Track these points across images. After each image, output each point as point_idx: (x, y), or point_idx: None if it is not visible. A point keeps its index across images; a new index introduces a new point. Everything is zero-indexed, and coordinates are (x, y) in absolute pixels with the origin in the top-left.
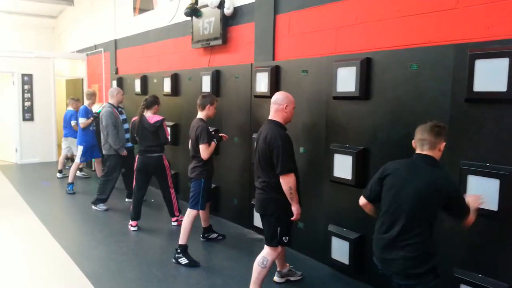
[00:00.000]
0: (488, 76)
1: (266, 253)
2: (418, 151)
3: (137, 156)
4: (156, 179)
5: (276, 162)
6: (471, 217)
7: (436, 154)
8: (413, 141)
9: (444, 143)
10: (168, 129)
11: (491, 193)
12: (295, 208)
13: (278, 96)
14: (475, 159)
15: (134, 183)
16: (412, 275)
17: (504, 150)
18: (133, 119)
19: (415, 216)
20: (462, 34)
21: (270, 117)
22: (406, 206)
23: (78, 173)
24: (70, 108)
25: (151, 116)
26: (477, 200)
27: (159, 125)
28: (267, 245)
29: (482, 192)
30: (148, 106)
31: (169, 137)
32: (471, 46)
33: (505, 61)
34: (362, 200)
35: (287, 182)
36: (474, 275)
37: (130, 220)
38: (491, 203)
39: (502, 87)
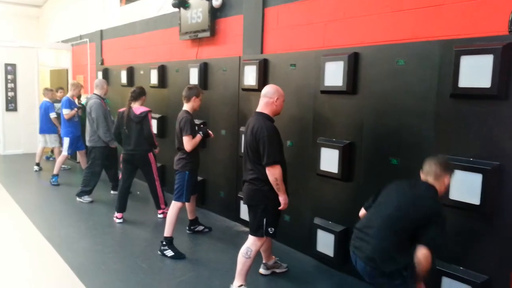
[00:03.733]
0: (473, 72)
1: (250, 244)
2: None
3: (124, 148)
4: (141, 171)
5: (262, 153)
6: (427, 260)
7: (439, 186)
8: (421, 172)
9: (449, 178)
10: (154, 122)
11: (474, 187)
12: (282, 198)
13: (268, 89)
14: (459, 153)
15: (120, 174)
16: (373, 260)
17: (487, 145)
18: (120, 109)
19: (390, 223)
20: (448, 30)
21: (258, 110)
22: (385, 211)
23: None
24: (46, 99)
25: (137, 107)
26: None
27: (144, 116)
28: (251, 235)
29: (465, 186)
30: (135, 97)
31: (153, 131)
32: (457, 42)
33: (489, 58)
34: (361, 212)
35: (272, 173)
36: (456, 268)
37: (116, 212)
38: (474, 197)
39: (486, 83)
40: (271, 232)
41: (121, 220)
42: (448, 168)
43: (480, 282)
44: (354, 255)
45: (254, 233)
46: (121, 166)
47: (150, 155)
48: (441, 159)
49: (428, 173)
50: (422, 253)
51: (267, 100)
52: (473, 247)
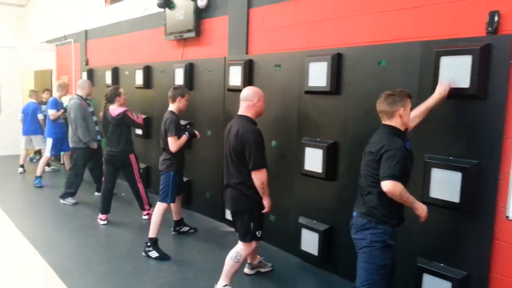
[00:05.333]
0: (453, 73)
1: (240, 249)
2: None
3: (106, 149)
4: (123, 173)
5: (249, 157)
6: (397, 187)
7: (398, 121)
8: None
9: (402, 109)
10: (142, 116)
11: (453, 185)
12: (266, 202)
13: (248, 92)
14: (439, 152)
15: (103, 175)
16: (362, 229)
17: (466, 144)
18: (100, 114)
19: (367, 179)
20: (429, 31)
21: (240, 113)
22: (361, 170)
23: (47, 168)
24: (32, 100)
25: (114, 109)
26: (423, 210)
27: (122, 116)
28: (241, 241)
29: (445, 184)
30: (109, 100)
31: (141, 121)
32: (437, 43)
33: (468, 58)
34: None
35: (259, 178)
36: (436, 265)
37: (100, 214)
38: (454, 195)
39: (465, 83)
40: (259, 236)
41: (105, 222)
42: (395, 101)
43: (459, 278)
44: (355, 212)
45: (243, 239)
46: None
47: (131, 156)
48: (385, 95)
49: (382, 114)
50: (387, 189)
51: (247, 103)
52: (453, 244)
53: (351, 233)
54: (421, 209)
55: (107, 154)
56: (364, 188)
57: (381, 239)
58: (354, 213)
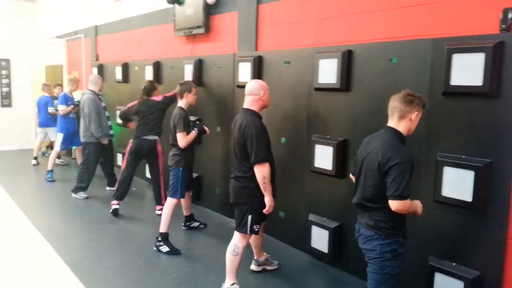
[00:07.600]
0: (465, 70)
1: (236, 241)
2: (388, 122)
3: (132, 139)
4: (147, 163)
5: (250, 150)
6: (407, 204)
7: (407, 124)
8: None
9: (416, 113)
10: None
11: (466, 184)
12: (268, 199)
13: (253, 85)
14: (451, 151)
15: (123, 164)
16: (371, 239)
17: (478, 142)
18: (132, 104)
19: (367, 186)
20: (441, 28)
21: (245, 106)
22: (360, 176)
23: (57, 161)
24: (44, 93)
25: (156, 97)
26: (419, 208)
27: (170, 100)
28: (236, 231)
29: (457, 183)
30: (148, 93)
31: None
32: (449, 40)
33: (481, 56)
34: (351, 175)
35: (260, 171)
36: (448, 264)
37: (114, 199)
38: (466, 194)
39: (478, 81)
40: (256, 230)
41: (117, 206)
42: (413, 102)
43: (472, 278)
44: (358, 224)
45: (237, 228)
46: (125, 157)
47: (159, 146)
48: (405, 93)
49: (394, 111)
50: (396, 208)
51: (253, 97)
52: (465, 244)
53: (359, 242)
54: (420, 207)
55: (135, 144)
56: (368, 200)
57: (391, 249)
58: (360, 225)
